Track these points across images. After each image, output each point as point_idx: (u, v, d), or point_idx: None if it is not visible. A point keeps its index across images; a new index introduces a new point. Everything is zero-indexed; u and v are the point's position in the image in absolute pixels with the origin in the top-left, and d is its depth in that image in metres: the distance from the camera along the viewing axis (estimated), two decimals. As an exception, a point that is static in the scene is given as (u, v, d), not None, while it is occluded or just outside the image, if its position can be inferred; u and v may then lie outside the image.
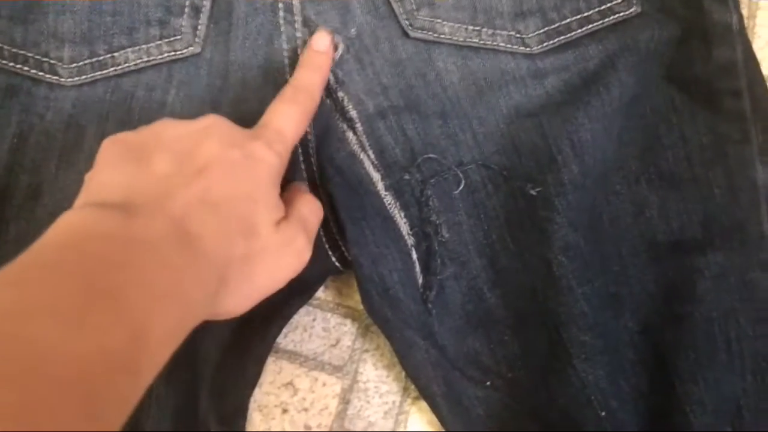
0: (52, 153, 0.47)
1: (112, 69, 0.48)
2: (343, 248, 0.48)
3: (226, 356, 0.47)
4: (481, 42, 0.49)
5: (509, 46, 0.49)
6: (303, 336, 0.51)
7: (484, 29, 0.49)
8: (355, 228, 0.46)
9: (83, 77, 0.48)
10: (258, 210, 0.37)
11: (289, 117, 0.42)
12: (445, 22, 0.49)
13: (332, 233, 0.48)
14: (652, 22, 0.49)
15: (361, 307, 0.47)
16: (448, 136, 0.48)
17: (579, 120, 0.46)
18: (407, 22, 0.49)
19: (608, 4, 0.49)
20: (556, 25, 0.49)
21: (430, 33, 0.49)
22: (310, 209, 0.42)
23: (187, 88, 0.48)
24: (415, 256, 0.47)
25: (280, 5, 0.48)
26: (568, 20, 0.49)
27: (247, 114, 0.48)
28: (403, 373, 0.49)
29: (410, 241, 0.47)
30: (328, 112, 0.48)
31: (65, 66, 0.48)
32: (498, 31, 0.49)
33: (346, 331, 0.51)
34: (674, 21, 0.49)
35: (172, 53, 0.48)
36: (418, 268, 0.47)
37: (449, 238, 0.47)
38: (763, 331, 0.45)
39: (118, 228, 0.32)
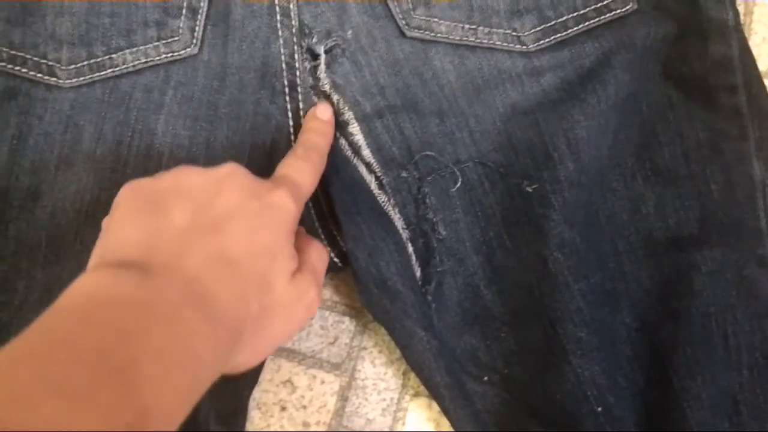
0: (51, 154, 0.47)
1: (110, 70, 0.48)
2: (341, 244, 0.48)
3: None
4: (478, 41, 0.49)
5: (505, 44, 0.49)
6: (301, 334, 0.51)
7: (481, 28, 0.49)
8: (351, 222, 0.46)
9: (81, 79, 0.48)
10: (275, 264, 0.37)
11: (303, 171, 0.42)
12: (441, 21, 0.49)
13: (330, 229, 0.48)
14: (648, 19, 0.49)
15: (359, 304, 0.48)
16: (445, 135, 0.49)
17: (575, 117, 0.47)
18: (404, 22, 0.49)
19: (604, 2, 0.49)
20: (553, 23, 0.49)
21: (426, 32, 0.49)
22: (319, 256, 0.42)
23: (185, 89, 0.48)
24: (410, 249, 0.47)
25: (277, 8, 0.48)
26: (564, 18, 0.49)
27: (243, 115, 0.48)
28: (402, 371, 0.50)
29: (405, 235, 0.47)
30: None
31: (63, 68, 0.48)
32: (494, 30, 0.49)
33: (344, 328, 0.51)
34: (670, 18, 0.49)
35: (170, 54, 0.48)
36: (414, 260, 0.47)
37: (446, 236, 0.48)
38: (760, 326, 0.45)
39: (133, 293, 0.32)
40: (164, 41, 0.48)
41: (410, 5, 0.49)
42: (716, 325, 0.45)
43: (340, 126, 0.49)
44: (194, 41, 0.48)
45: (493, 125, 0.49)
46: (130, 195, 0.37)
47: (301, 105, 0.48)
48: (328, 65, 0.49)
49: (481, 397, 0.46)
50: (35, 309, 0.44)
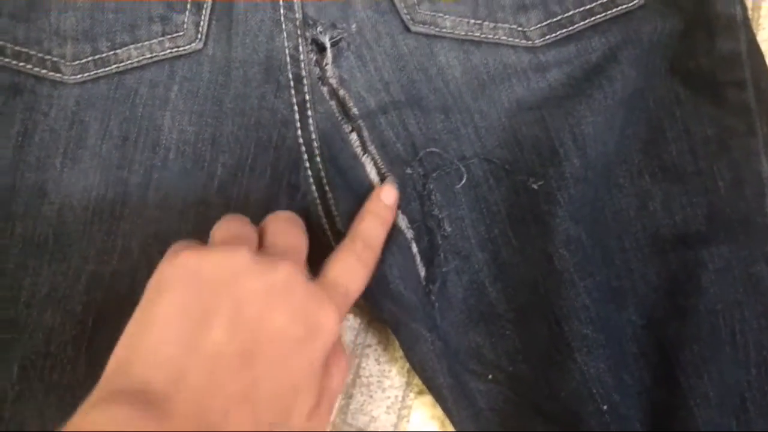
0: (57, 151, 0.47)
1: (114, 66, 0.48)
2: None
3: None
4: (483, 36, 0.49)
5: (511, 39, 0.49)
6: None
7: (486, 23, 0.49)
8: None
9: (86, 74, 0.48)
10: (297, 401, 0.35)
11: (357, 276, 0.41)
12: (446, 16, 0.49)
13: (337, 230, 0.48)
14: (655, 14, 0.48)
15: (362, 302, 0.48)
16: (449, 131, 0.48)
17: (581, 113, 0.46)
18: (408, 17, 0.49)
19: (611, -3, 0.49)
20: (559, 17, 0.49)
21: (431, 27, 0.49)
22: (341, 379, 0.39)
23: (190, 84, 0.48)
24: (415, 249, 0.47)
25: (281, 2, 0.48)
26: (570, 13, 0.49)
27: (248, 110, 0.48)
28: (406, 368, 0.50)
29: (409, 234, 0.47)
30: (332, 114, 0.48)
31: (68, 63, 0.48)
32: (500, 25, 0.49)
33: (349, 326, 0.51)
34: (677, 13, 0.49)
35: (175, 49, 0.48)
36: (419, 261, 0.47)
37: (451, 233, 0.47)
38: (768, 323, 0.45)
39: None
40: (169, 36, 0.48)
41: (415, 0, 0.49)
42: (724, 323, 0.45)
43: (352, 120, 0.48)
44: (199, 36, 0.48)
45: (498, 121, 0.48)
46: (177, 282, 0.35)
47: (307, 97, 0.48)
48: (333, 58, 0.48)
49: (485, 396, 0.46)
50: (42, 306, 0.45)
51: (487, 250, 0.47)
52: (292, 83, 0.48)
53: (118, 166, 0.47)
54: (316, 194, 0.47)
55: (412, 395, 0.50)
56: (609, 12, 0.49)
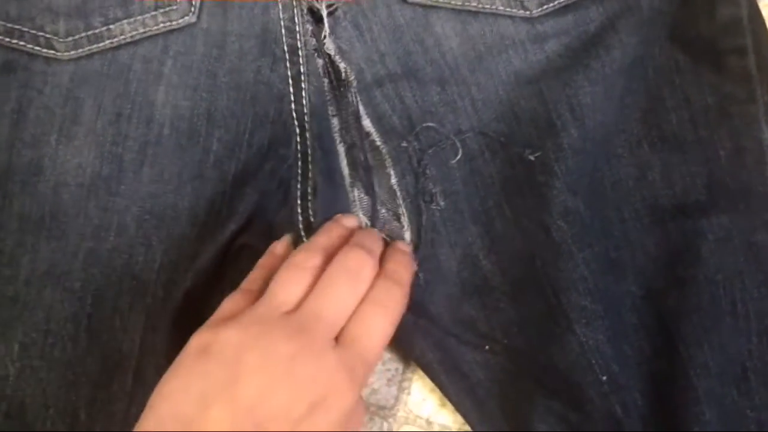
0: (52, 127, 0.47)
1: (108, 41, 0.48)
2: None
3: None
4: (480, 6, 0.48)
5: (508, 9, 0.48)
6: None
7: (483, -8, 0.48)
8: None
9: (80, 51, 0.48)
10: None
11: (380, 331, 0.39)
12: (443, -15, 0.48)
13: (307, 216, 0.47)
14: (655, -20, 0.48)
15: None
16: (446, 104, 0.48)
17: (578, 83, 0.46)
18: (404, -15, 0.48)
19: (609, -35, 0.48)
20: None
21: (428, -3, 0.48)
22: None
23: (184, 58, 0.48)
24: (406, 224, 0.47)
25: None
26: (568, -18, 0.48)
27: (243, 84, 0.48)
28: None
29: (402, 210, 0.47)
30: (322, 91, 0.48)
31: (61, 40, 0.47)
32: (497, -6, 0.48)
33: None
34: (678, -21, 0.48)
35: (168, 23, 0.48)
36: (407, 238, 0.47)
37: (445, 207, 0.47)
38: (770, 292, 0.45)
39: None
40: (162, 10, 0.48)
41: (411, -31, 0.48)
42: (724, 292, 0.44)
43: (343, 95, 0.48)
44: (192, 9, 0.48)
45: (495, 94, 0.48)
46: (187, 358, 0.36)
47: (302, 69, 0.48)
48: (331, 29, 0.48)
49: (483, 367, 0.46)
50: (41, 283, 0.45)
51: (481, 223, 0.47)
52: (287, 56, 0.48)
53: (113, 142, 0.47)
54: (300, 170, 0.47)
55: (412, 367, 0.50)
56: (607, -20, 0.48)
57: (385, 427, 0.50)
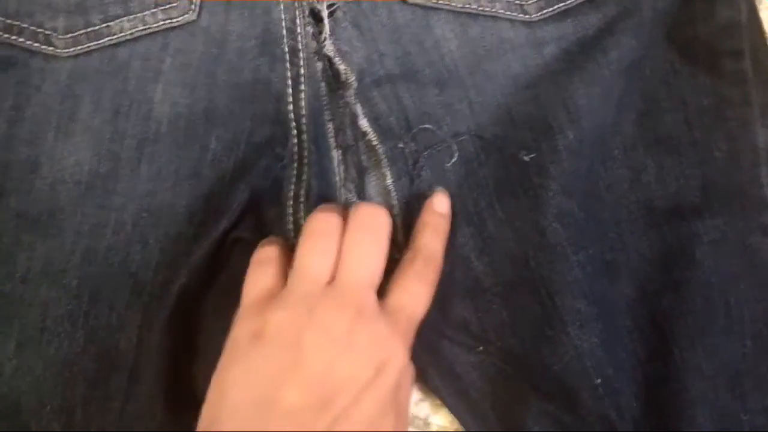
0: (50, 125, 0.47)
1: (107, 39, 0.48)
2: None
3: None
4: (480, 8, 0.48)
5: (508, 12, 0.48)
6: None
7: (483, -6, 0.48)
8: None
9: (79, 48, 0.47)
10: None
11: (419, 297, 0.42)
12: (443, -13, 0.48)
13: (298, 219, 0.47)
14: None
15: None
16: (444, 106, 0.48)
17: (575, 84, 0.46)
18: (404, -14, 0.48)
19: (609, -30, 0.48)
20: None
21: (428, -2, 0.48)
22: (406, 394, 0.40)
23: (183, 56, 0.48)
24: (399, 226, 0.47)
25: None
26: (567, -14, 0.48)
27: (242, 83, 0.48)
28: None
29: (395, 210, 0.47)
30: (319, 95, 0.48)
31: (60, 36, 0.47)
32: (497, -3, 0.48)
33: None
34: (677, -19, 0.48)
35: (168, 21, 0.48)
36: (399, 239, 0.47)
37: None
38: (763, 295, 0.45)
39: None
40: (162, 8, 0.48)
41: (411, -30, 0.48)
42: (718, 295, 0.44)
43: (340, 97, 0.48)
44: (192, 7, 0.48)
45: (493, 97, 0.48)
46: (246, 345, 0.37)
47: (302, 71, 0.48)
48: (331, 30, 0.48)
49: (477, 368, 0.46)
50: (38, 281, 0.45)
51: (473, 224, 0.47)
52: (287, 56, 0.48)
53: (110, 139, 0.47)
54: (294, 172, 0.47)
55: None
56: (606, -15, 0.48)
57: (381, 426, 0.50)
